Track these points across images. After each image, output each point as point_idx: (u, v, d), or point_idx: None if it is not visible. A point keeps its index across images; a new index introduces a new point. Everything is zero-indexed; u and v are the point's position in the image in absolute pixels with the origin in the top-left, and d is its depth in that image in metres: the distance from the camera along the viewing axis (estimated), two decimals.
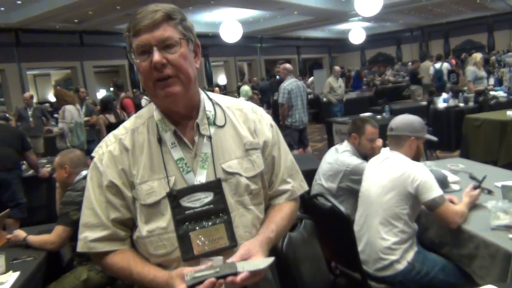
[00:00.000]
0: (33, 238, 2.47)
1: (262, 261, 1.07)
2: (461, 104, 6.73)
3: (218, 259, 1.12)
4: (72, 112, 5.62)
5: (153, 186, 1.11)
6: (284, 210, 1.26)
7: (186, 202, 1.11)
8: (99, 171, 1.15)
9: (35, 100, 14.49)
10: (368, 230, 2.28)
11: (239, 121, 1.22)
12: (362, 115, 6.08)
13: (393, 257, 2.17)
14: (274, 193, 1.27)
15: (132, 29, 1.07)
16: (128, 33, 1.08)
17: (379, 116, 6.59)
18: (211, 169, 1.14)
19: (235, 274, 1.01)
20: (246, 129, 1.22)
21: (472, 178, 2.84)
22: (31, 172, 4.70)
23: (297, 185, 1.30)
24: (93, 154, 1.19)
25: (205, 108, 1.19)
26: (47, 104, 14.43)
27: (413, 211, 2.22)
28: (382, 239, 2.20)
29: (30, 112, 7.47)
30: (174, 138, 1.14)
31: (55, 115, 7.61)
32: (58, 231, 2.44)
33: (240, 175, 1.17)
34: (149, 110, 1.20)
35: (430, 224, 2.39)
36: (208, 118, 1.18)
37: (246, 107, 1.27)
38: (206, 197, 1.12)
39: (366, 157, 2.91)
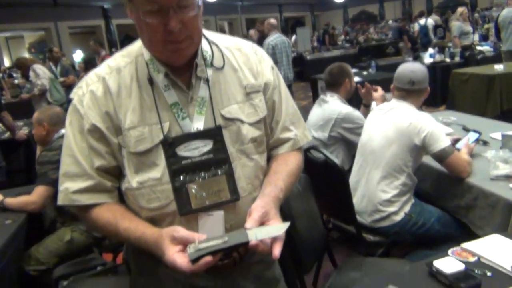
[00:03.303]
0: (11, 201, 2.34)
1: (277, 228, 0.92)
2: (447, 60, 6.67)
3: (219, 214, 1.01)
4: (42, 69, 5.46)
5: (144, 132, 0.98)
6: (289, 164, 1.14)
7: (182, 151, 0.99)
8: (79, 114, 1.01)
9: (8, 64, 13.89)
10: (367, 182, 2.22)
11: (238, 63, 1.09)
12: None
13: (391, 209, 2.14)
14: (275, 142, 1.16)
15: None
16: None
17: (365, 72, 6.51)
18: (209, 115, 1.02)
19: (246, 244, 0.88)
20: (247, 70, 1.09)
21: (465, 129, 2.81)
22: (7, 135, 4.50)
23: (300, 133, 1.19)
24: (71, 96, 1.05)
25: (202, 48, 1.05)
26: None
27: (416, 163, 2.17)
28: (382, 191, 2.14)
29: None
30: (167, 81, 1.01)
31: (27, 85, 7.31)
32: (38, 191, 2.32)
33: (242, 121, 1.05)
34: (138, 48, 1.05)
35: (425, 176, 2.35)
36: (204, 59, 1.05)
37: (246, 46, 1.13)
38: (205, 146, 1.00)
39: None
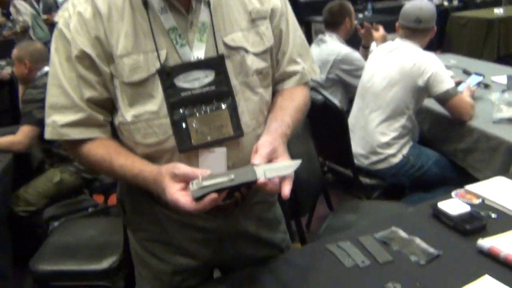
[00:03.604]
0: None
1: (286, 165, 0.85)
2: (446, 3, 6.46)
3: (221, 151, 0.94)
4: (23, 4, 5.16)
5: (139, 60, 0.88)
6: (296, 99, 1.06)
7: (182, 82, 0.89)
8: (66, 39, 0.90)
9: None
10: (366, 124, 2.16)
11: None
12: None
13: (389, 151, 2.11)
14: (281, 76, 1.07)
15: None
16: None
17: (360, 15, 6.29)
18: (210, 43, 0.92)
19: (254, 182, 0.80)
20: None
21: (466, 73, 2.75)
22: None
23: (308, 67, 1.10)
24: (56, 19, 0.93)
25: None
26: None
27: (418, 105, 2.12)
28: (382, 133, 2.10)
29: None
30: (164, 3, 0.89)
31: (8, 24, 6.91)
32: (24, 131, 2.23)
33: (246, 50, 0.95)
34: None
35: (423, 119, 2.30)
36: None
37: None
38: (207, 77, 0.91)
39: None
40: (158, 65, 0.88)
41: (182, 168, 0.82)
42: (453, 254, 1.10)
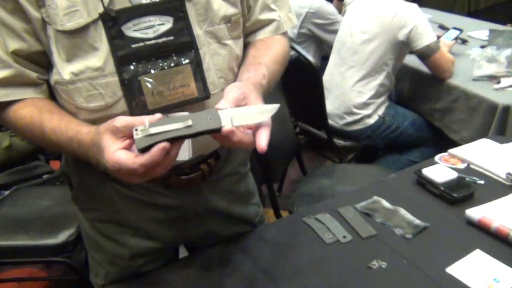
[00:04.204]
0: None
1: (260, 110, 0.67)
2: None
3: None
4: None
5: (76, 2, 0.70)
6: (273, 49, 0.90)
7: (132, 30, 0.72)
8: None
9: None
10: (342, 83, 2.03)
11: None
12: None
13: (365, 112, 2.00)
14: (253, 25, 0.91)
15: None
16: None
17: None
18: None
19: (218, 131, 0.64)
20: None
21: (442, 28, 2.64)
22: None
23: (284, 16, 0.94)
24: None
25: None
26: None
27: (397, 62, 2.00)
28: (359, 92, 1.98)
29: None
30: None
31: None
32: None
33: None
34: None
35: (401, 78, 2.19)
36: None
37: None
38: (163, 24, 0.73)
39: None
40: (101, 9, 0.70)
41: (124, 118, 0.64)
42: (441, 226, 1.02)
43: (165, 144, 0.61)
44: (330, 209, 1.09)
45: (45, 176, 2.24)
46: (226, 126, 0.64)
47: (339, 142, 2.10)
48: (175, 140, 0.63)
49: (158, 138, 0.61)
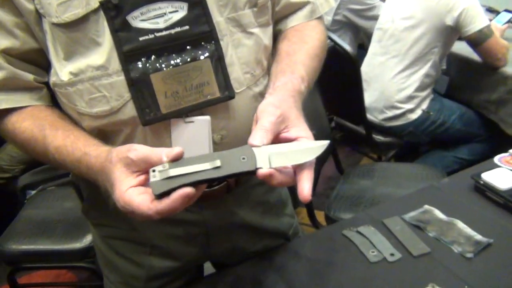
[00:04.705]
0: None
1: (304, 148, 0.57)
2: None
3: (203, 121, 0.66)
4: None
5: None
6: (309, 41, 0.77)
7: (139, 20, 0.61)
8: None
9: None
10: (382, 74, 1.89)
11: None
12: None
13: (408, 106, 1.85)
14: (284, 9, 0.78)
15: None
16: None
17: None
18: None
19: (253, 173, 0.54)
20: None
21: (491, 10, 2.42)
22: None
23: None
24: None
25: None
26: None
27: (445, 50, 1.84)
28: (402, 84, 1.84)
29: None
30: None
31: None
32: None
33: None
34: None
35: (449, 66, 2.02)
36: None
37: None
38: (176, 12, 0.62)
39: None
40: None
41: (140, 150, 0.55)
42: (508, 242, 0.87)
43: (189, 191, 0.51)
44: (373, 219, 0.96)
45: (71, 176, 2.20)
46: (263, 168, 0.54)
47: (378, 138, 1.96)
48: (199, 184, 0.53)
49: (179, 182, 0.52)
